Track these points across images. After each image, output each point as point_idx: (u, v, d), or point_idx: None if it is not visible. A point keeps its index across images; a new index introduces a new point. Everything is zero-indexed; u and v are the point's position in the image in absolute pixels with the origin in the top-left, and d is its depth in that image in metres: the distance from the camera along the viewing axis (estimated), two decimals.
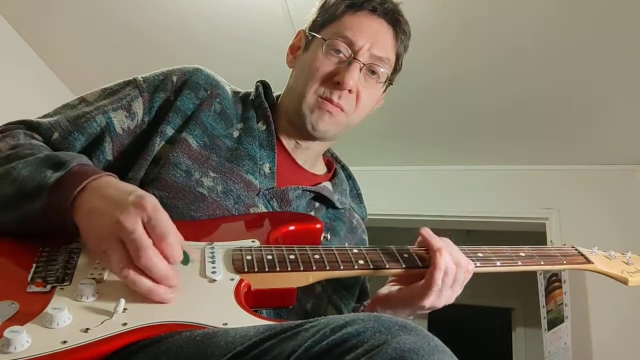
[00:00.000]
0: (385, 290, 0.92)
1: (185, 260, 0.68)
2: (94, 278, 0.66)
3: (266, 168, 0.93)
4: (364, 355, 0.45)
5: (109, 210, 0.65)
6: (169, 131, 0.90)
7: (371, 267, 0.81)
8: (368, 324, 0.48)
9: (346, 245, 0.97)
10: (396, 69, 1.02)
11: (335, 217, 1.02)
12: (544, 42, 2.31)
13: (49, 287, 0.64)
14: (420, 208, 3.41)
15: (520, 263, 0.93)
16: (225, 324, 0.61)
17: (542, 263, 0.94)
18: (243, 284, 0.71)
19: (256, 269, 0.73)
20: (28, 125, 0.85)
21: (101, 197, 0.67)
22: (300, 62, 1.01)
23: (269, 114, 0.99)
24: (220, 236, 0.81)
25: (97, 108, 0.88)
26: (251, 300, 0.72)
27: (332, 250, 0.81)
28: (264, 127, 0.98)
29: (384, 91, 1.02)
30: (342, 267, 0.79)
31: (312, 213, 0.97)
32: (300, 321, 0.53)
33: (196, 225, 0.82)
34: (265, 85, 1.06)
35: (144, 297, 0.63)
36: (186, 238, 0.68)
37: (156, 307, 0.63)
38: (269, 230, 0.84)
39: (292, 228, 0.85)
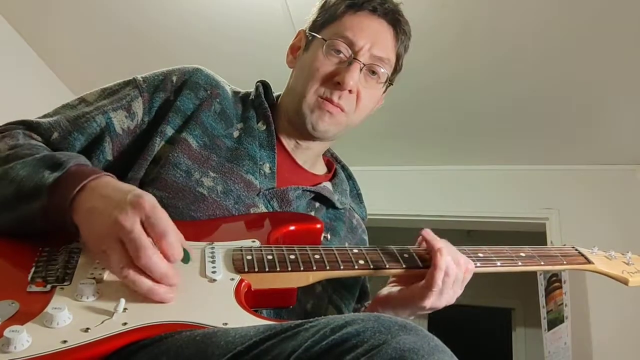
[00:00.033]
0: (385, 291, 0.92)
1: (186, 258, 0.68)
2: (94, 278, 0.66)
3: (266, 168, 0.93)
4: (364, 355, 0.45)
5: (107, 210, 0.64)
6: (169, 131, 0.90)
7: (371, 267, 0.81)
8: (368, 324, 0.48)
9: (346, 245, 0.97)
10: (396, 69, 1.02)
11: (336, 217, 1.02)
12: (544, 42, 2.31)
13: (49, 286, 0.64)
14: (420, 208, 3.41)
15: (520, 263, 0.93)
16: (226, 323, 0.61)
17: (543, 263, 0.94)
18: (243, 283, 0.71)
19: (256, 269, 0.73)
20: (28, 126, 0.85)
21: (100, 197, 0.67)
22: (300, 62, 1.01)
23: (269, 114, 0.99)
24: (221, 236, 0.81)
25: (97, 108, 0.88)
26: (251, 300, 0.72)
27: (333, 250, 0.81)
28: (264, 127, 0.98)
29: (384, 91, 1.02)
30: (342, 267, 0.79)
31: (312, 213, 0.97)
32: (300, 321, 0.53)
33: (196, 225, 0.82)
34: (265, 85, 1.06)
35: (144, 297, 0.63)
36: (186, 238, 0.68)
37: (156, 307, 0.63)
38: (269, 231, 0.84)
39: (292, 228, 0.85)
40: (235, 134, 0.96)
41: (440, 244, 0.84)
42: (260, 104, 1.00)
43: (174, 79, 0.94)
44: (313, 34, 0.99)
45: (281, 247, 0.79)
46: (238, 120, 0.98)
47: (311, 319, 0.52)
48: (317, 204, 0.99)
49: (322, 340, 0.47)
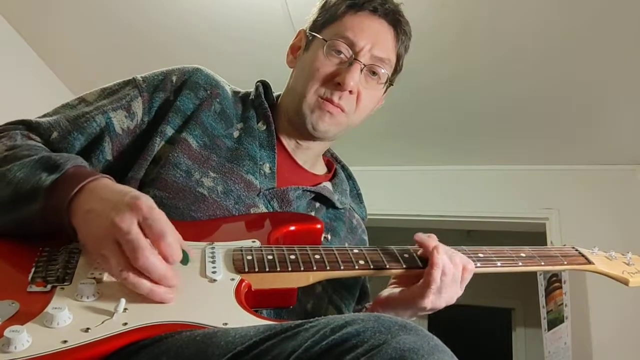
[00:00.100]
0: (386, 292, 0.92)
1: (185, 259, 0.68)
2: (94, 278, 0.66)
3: (266, 168, 0.93)
4: (364, 355, 0.45)
5: (104, 212, 0.64)
6: (169, 131, 0.90)
7: (372, 267, 0.81)
8: (368, 324, 0.48)
9: (346, 245, 0.97)
10: (397, 69, 1.02)
11: (336, 217, 1.02)
12: (544, 42, 2.31)
13: (49, 286, 0.64)
14: (420, 208, 3.42)
15: (520, 263, 0.93)
16: (226, 323, 0.61)
17: (543, 263, 0.94)
18: (243, 284, 0.71)
19: (257, 269, 0.73)
20: (27, 125, 0.85)
21: (97, 199, 0.67)
22: (300, 62, 1.01)
23: (269, 114, 0.99)
24: (221, 236, 0.81)
25: (97, 108, 0.88)
26: (251, 300, 0.72)
27: (333, 251, 0.81)
28: (264, 127, 0.98)
29: (385, 92, 1.02)
30: (342, 267, 0.79)
31: (313, 213, 0.97)
32: (300, 321, 0.53)
33: (196, 225, 0.82)
34: (265, 85, 1.06)
35: (145, 297, 0.63)
36: (186, 238, 0.68)
37: (156, 307, 0.63)
38: (270, 231, 0.84)
39: (292, 228, 0.85)
40: (235, 134, 0.96)
41: (436, 242, 0.84)
42: (260, 104, 1.00)
43: (174, 78, 0.94)
44: (313, 34, 0.99)
45: (281, 247, 0.79)
46: (238, 120, 0.98)
47: (311, 319, 0.52)
48: (317, 204, 0.99)
49: (322, 340, 0.47)
